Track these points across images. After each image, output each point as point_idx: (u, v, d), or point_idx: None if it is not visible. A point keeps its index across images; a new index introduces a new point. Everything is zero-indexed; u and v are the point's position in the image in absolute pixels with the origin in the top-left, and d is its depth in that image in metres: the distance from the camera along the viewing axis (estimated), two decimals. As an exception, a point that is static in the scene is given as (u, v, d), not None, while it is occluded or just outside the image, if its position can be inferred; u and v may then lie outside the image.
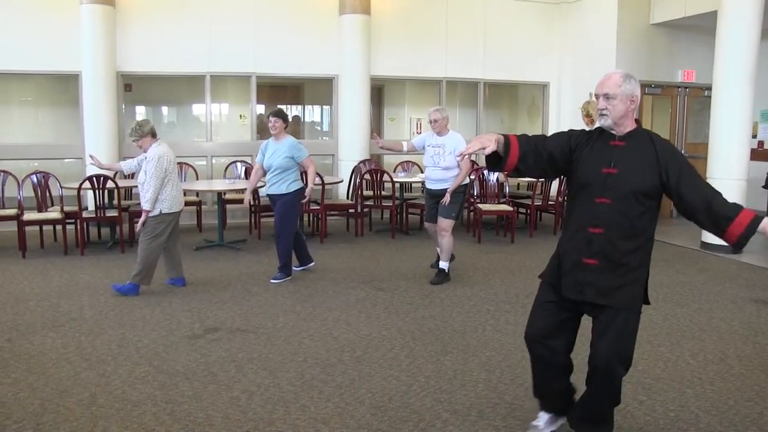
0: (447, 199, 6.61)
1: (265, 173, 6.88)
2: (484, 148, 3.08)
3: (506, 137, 3.18)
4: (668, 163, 3.05)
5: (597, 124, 3.19)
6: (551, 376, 3.39)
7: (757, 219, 2.94)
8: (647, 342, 5.09)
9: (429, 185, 6.89)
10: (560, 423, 3.57)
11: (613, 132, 3.13)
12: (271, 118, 6.77)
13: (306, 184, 6.82)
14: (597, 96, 3.12)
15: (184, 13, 10.22)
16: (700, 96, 11.24)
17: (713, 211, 3.00)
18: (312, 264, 7.25)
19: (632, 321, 3.17)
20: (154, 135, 6.26)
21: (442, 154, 6.67)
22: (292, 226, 6.88)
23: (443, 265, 6.83)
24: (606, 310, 3.16)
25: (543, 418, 3.56)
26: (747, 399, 4.09)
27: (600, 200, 3.10)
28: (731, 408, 3.96)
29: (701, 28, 10.31)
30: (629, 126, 3.13)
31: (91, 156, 7.30)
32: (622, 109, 3.07)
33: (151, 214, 6.18)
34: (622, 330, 3.14)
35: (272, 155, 6.73)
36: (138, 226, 6.36)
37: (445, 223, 6.69)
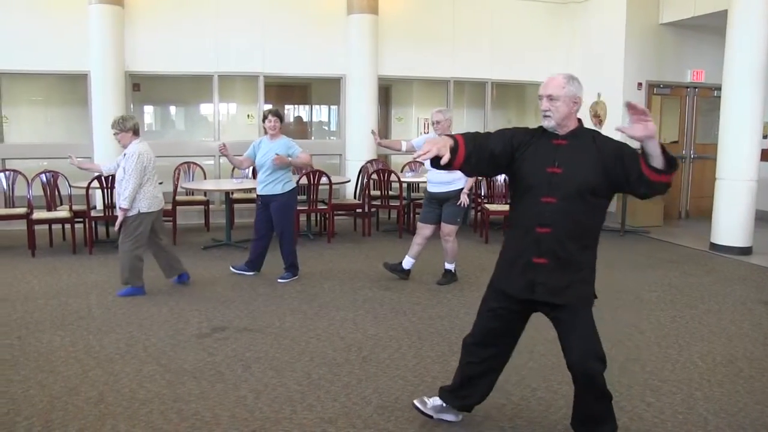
0: (464, 200, 6.52)
1: (249, 166, 7.00)
2: (440, 157, 3.06)
3: (454, 138, 3.17)
4: (609, 154, 3.09)
5: (542, 124, 3.21)
6: (480, 374, 3.48)
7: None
8: (655, 344, 5.07)
9: (431, 188, 6.71)
10: (442, 417, 3.66)
11: (557, 132, 3.16)
12: (271, 118, 6.76)
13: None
14: (540, 97, 3.15)
15: (193, 13, 10.24)
16: (709, 96, 11.18)
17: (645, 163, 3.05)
18: (251, 274, 7.05)
19: (591, 318, 3.20)
20: (136, 133, 6.20)
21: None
22: (291, 226, 6.90)
23: (449, 266, 6.82)
24: (562, 309, 3.18)
25: (435, 401, 3.66)
26: (756, 402, 4.07)
27: (546, 200, 3.11)
28: (740, 411, 3.93)
29: (711, 28, 10.26)
30: (572, 126, 3.17)
31: (70, 156, 7.10)
32: (565, 111, 3.11)
33: (129, 213, 6.12)
34: (586, 328, 3.17)
35: (266, 154, 6.72)
36: (116, 226, 6.30)
37: (449, 229, 6.64)
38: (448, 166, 3.13)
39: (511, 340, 3.43)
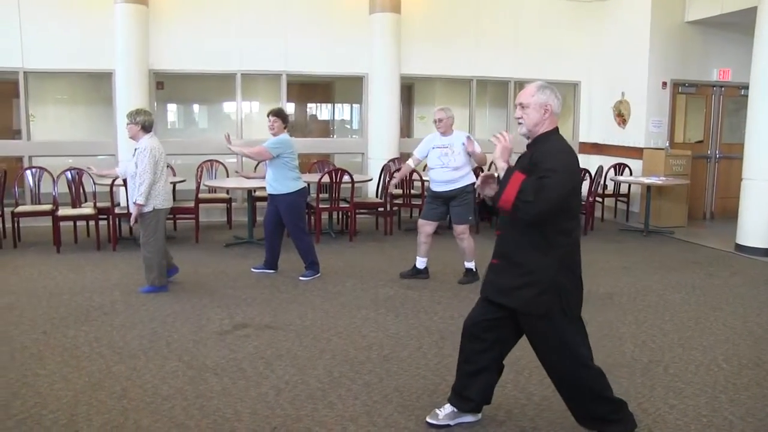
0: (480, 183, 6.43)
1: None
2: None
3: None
4: (536, 164, 3.13)
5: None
6: (470, 368, 3.51)
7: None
8: (678, 345, 5.02)
9: (435, 187, 6.69)
10: (460, 420, 3.64)
11: (528, 139, 3.29)
12: (270, 118, 6.77)
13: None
14: (515, 106, 3.31)
15: (216, 11, 10.29)
16: (736, 95, 11.04)
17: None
18: (272, 272, 7.08)
19: (552, 330, 3.21)
20: (145, 128, 6.18)
21: (450, 154, 6.55)
22: (302, 225, 6.89)
23: (469, 264, 6.80)
24: (523, 319, 3.27)
25: (447, 409, 3.65)
26: (783, 404, 4.01)
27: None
28: None
29: (738, 26, 10.11)
30: (541, 133, 3.24)
31: (89, 168, 7.12)
32: (535, 118, 3.23)
33: (145, 210, 6.14)
34: (539, 338, 3.28)
35: None
36: (131, 221, 6.32)
37: (461, 228, 6.64)
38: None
39: (502, 334, 3.45)
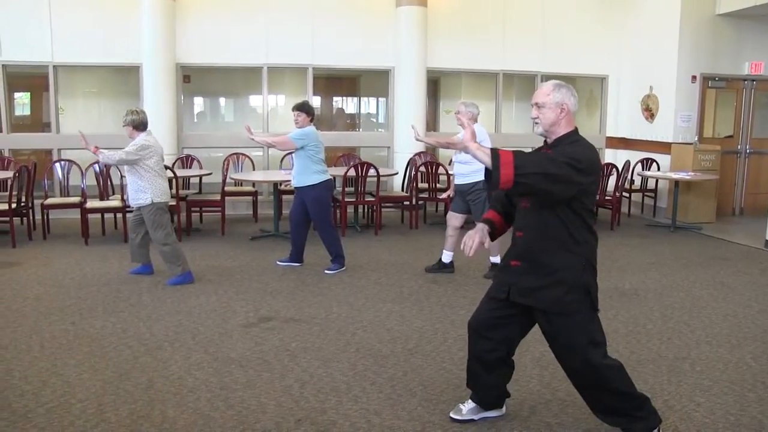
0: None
1: None
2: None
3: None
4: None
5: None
6: (481, 368, 3.50)
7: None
8: (706, 342, 4.96)
9: (455, 180, 6.79)
10: (484, 415, 3.63)
11: (546, 139, 3.24)
12: (294, 112, 6.80)
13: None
14: (532, 105, 3.24)
15: (242, 5, 10.33)
16: (768, 89, 10.87)
17: None
18: (297, 265, 7.11)
19: (576, 326, 3.19)
20: (137, 128, 6.26)
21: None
22: (326, 218, 6.89)
23: (494, 259, 6.78)
24: (545, 317, 3.24)
25: (470, 404, 3.65)
26: (812, 404, 3.95)
27: (524, 205, 3.26)
28: (795, 412, 3.82)
29: (772, 18, 9.95)
30: (561, 133, 3.19)
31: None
32: (551, 117, 3.18)
33: (143, 204, 6.24)
34: (562, 335, 3.24)
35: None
36: (89, 146, 6.27)
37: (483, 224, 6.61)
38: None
39: (510, 332, 3.45)
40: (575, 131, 3.21)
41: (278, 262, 7.16)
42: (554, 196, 3.04)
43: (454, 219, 6.79)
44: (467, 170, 6.52)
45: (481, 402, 3.62)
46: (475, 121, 6.60)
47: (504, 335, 3.42)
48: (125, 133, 6.32)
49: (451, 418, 3.66)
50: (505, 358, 3.49)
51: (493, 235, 3.47)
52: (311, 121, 6.82)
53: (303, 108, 6.80)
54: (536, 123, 3.22)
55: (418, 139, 7.36)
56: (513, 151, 2.98)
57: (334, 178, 7.41)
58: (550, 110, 3.17)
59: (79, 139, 6.43)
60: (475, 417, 3.64)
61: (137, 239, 6.52)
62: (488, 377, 3.52)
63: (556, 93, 3.18)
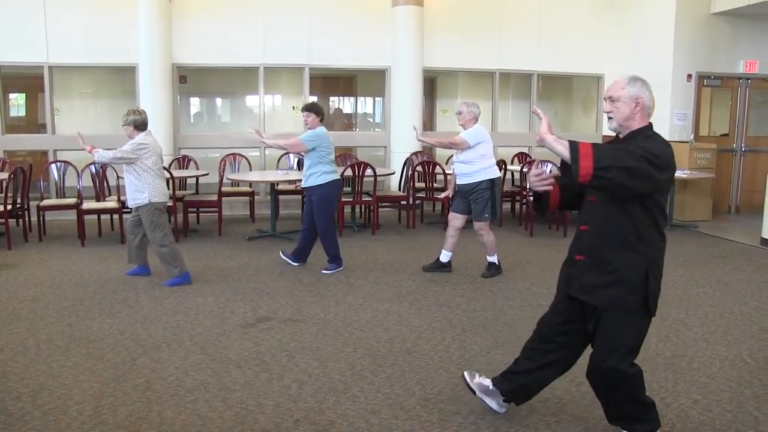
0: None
1: None
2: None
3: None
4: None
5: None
6: (530, 366, 3.51)
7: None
8: (703, 340, 4.97)
9: (457, 180, 6.80)
10: (485, 399, 3.68)
11: (619, 134, 3.18)
12: (303, 113, 6.82)
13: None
14: (604, 99, 3.19)
15: (239, 5, 10.33)
16: (763, 88, 10.89)
17: None
18: (295, 264, 7.09)
19: (627, 328, 3.15)
20: (138, 127, 6.25)
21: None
22: (328, 219, 6.87)
23: (491, 258, 6.79)
24: (604, 314, 3.17)
25: (485, 381, 3.69)
26: (809, 401, 3.95)
27: (591, 198, 3.21)
28: (793, 410, 3.83)
29: (767, 17, 9.95)
30: (635, 127, 3.13)
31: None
32: (626, 112, 3.10)
33: (140, 204, 6.22)
34: (610, 333, 3.17)
35: None
36: (85, 145, 6.27)
37: (478, 225, 6.64)
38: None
39: (571, 339, 3.41)
40: (650, 126, 3.14)
41: (281, 254, 7.15)
42: (631, 191, 2.95)
43: (456, 219, 6.78)
44: (469, 170, 6.53)
45: (502, 383, 3.62)
46: (476, 120, 6.61)
47: (567, 341, 3.40)
48: (125, 133, 6.29)
49: (463, 375, 3.77)
50: (557, 362, 3.47)
51: (542, 208, 3.46)
52: (321, 121, 6.81)
53: (312, 108, 6.80)
54: (610, 117, 3.15)
55: (419, 139, 7.36)
56: (591, 144, 2.90)
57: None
58: (624, 104, 3.09)
59: (76, 140, 6.41)
60: (478, 392, 3.68)
61: (135, 240, 6.51)
62: (530, 373, 3.51)
63: (631, 87, 3.10)
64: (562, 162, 2.99)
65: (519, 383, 3.56)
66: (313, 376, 4.23)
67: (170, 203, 7.68)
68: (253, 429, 3.54)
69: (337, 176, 6.86)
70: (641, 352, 3.22)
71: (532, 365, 3.50)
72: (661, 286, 3.20)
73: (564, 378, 4.13)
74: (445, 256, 6.91)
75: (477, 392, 3.68)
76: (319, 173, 6.72)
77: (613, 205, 3.08)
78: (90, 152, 6.22)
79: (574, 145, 2.83)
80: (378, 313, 5.56)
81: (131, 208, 6.46)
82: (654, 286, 3.12)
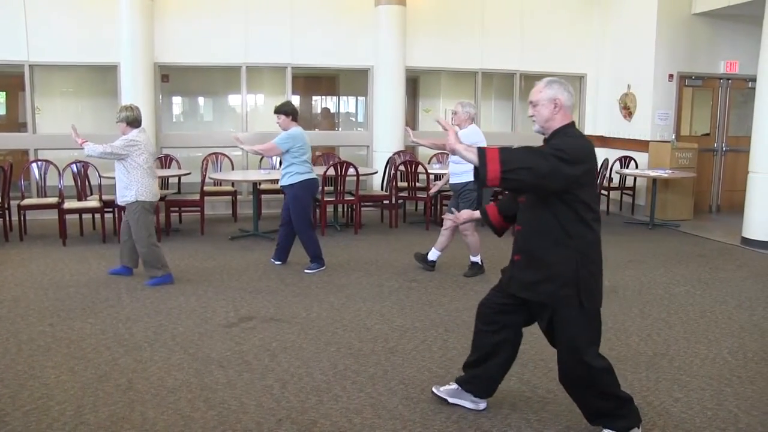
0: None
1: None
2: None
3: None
4: None
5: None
6: (481, 354, 3.58)
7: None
8: (684, 338, 5.02)
9: (450, 179, 6.83)
10: (458, 402, 3.72)
11: (544, 135, 3.30)
12: (275, 116, 6.82)
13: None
14: (528, 104, 3.32)
15: (221, 4, 10.28)
16: (743, 88, 10.98)
17: None
18: (278, 263, 7.11)
19: (569, 323, 3.23)
20: (131, 124, 6.20)
21: None
22: (304, 218, 6.86)
23: (474, 258, 6.81)
24: (544, 312, 3.30)
25: (451, 385, 3.79)
26: (788, 398, 4.00)
27: (521, 200, 3.35)
28: (772, 407, 3.87)
29: (746, 18, 10.04)
30: (555, 127, 3.25)
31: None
32: (545, 113, 3.23)
33: (128, 201, 6.18)
34: (562, 331, 3.27)
35: None
36: (77, 138, 6.28)
37: (463, 225, 6.63)
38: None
39: (511, 318, 3.51)
40: (570, 124, 3.25)
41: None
42: (544, 190, 3.08)
43: (449, 220, 6.78)
44: (459, 170, 6.55)
45: (464, 384, 3.70)
46: (472, 120, 6.64)
47: (507, 320, 3.47)
48: (119, 129, 6.24)
49: (432, 390, 3.83)
50: (504, 347, 3.52)
51: (496, 230, 3.72)
52: (294, 120, 6.80)
53: (283, 110, 6.78)
54: (533, 121, 3.28)
55: (413, 141, 7.34)
56: (499, 148, 3.02)
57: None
58: (543, 107, 3.22)
59: (56, 139, 6.36)
60: (450, 399, 3.73)
61: (129, 242, 6.45)
62: (485, 363, 3.57)
63: (548, 89, 3.23)
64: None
65: (478, 376, 3.64)
66: (296, 376, 4.23)
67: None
68: (236, 429, 3.54)
69: (311, 175, 6.84)
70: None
71: (480, 353, 3.58)
72: (601, 278, 3.30)
73: (546, 376, 4.17)
74: (433, 255, 6.91)
75: (449, 399, 3.75)
76: (292, 173, 6.73)
77: (538, 205, 3.20)
78: (81, 145, 6.17)
79: (481, 152, 3.00)
80: (360, 312, 5.56)
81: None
82: (587, 278, 3.19)
